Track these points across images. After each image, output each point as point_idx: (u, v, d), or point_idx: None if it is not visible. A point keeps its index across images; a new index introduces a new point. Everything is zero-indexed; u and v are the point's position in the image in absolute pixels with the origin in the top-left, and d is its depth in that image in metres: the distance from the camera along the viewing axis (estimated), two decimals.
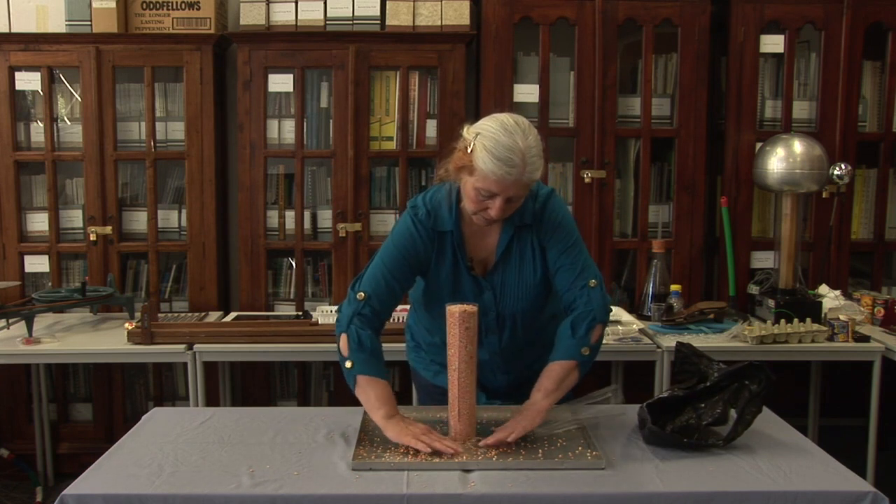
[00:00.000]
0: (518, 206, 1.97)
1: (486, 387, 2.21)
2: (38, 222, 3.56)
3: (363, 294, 2.03)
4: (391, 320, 3.17)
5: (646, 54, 3.47)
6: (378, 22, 3.47)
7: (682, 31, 3.44)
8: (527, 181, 1.87)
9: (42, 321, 3.32)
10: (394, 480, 1.70)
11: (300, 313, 3.47)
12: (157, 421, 2.10)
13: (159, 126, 3.52)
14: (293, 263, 3.62)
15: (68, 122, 3.56)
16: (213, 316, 3.43)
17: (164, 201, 3.61)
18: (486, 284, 2.07)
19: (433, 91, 3.52)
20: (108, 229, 3.49)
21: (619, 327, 3.13)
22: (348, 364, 1.98)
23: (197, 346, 2.97)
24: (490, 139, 1.84)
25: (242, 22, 3.46)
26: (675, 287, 3.28)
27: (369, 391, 1.94)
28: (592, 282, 2.03)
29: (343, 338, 2.02)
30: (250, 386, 3.68)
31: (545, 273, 2.07)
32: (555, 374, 1.97)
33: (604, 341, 2.57)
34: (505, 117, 1.90)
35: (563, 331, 2.03)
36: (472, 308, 1.88)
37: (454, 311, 1.86)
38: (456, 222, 2.04)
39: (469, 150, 1.88)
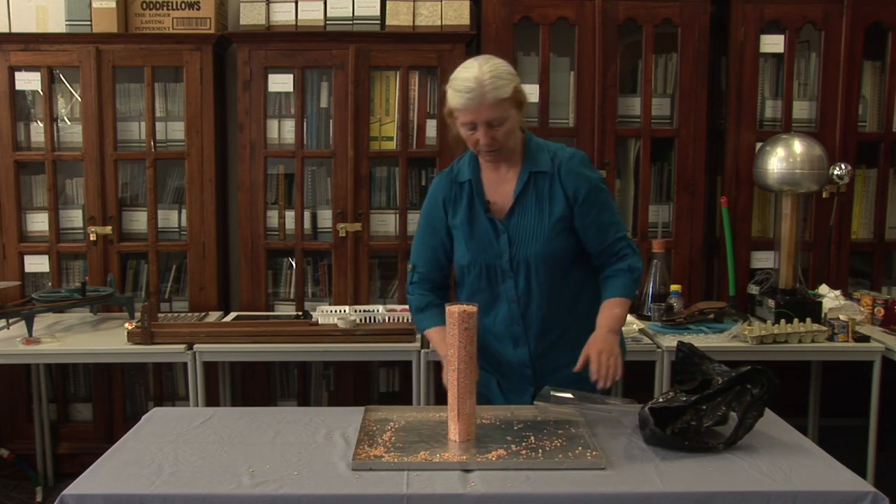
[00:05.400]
0: (510, 133, 2.11)
1: (502, 361, 2.25)
2: (38, 222, 3.56)
3: (410, 265, 2.32)
4: (395, 321, 3.20)
5: (646, 54, 3.47)
6: (378, 22, 3.47)
7: (682, 31, 3.45)
8: (492, 100, 2.04)
9: (42, 321, 3.32)
10: (394, 480, 1.70)
11: (300, 313, 3.47)
12: (157, 421, 2.10)
13: (159, 126, 3.52)
14: (293, 263, 3.62)
15: (68, 122, 3.56)
16: (213, 316, 3.43)
17: (164, 201, 3.61)
18: (502, 227, 2.18)
19: (433, 91, 3.52)
20: (108, 229, 3.49)
21: None
22: (414, 321, 2.34)
23: (197, 346, 2.97)
24: (452, 79, 2.11)
25: (242, 22, 3.46)
26: (675, 287, 3.28)
27: (434, 339, 2.26)
28: (628, 234, 2.32)
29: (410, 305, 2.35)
30: (250, 386, 3.68)
31: (560, 220, 2.16)
32: (619, 312, 2.16)
33: None
34: (469, 59, 2.14)
35: (619, 269, 2.20)
36: (471, 308, 1.88)
37: (453, 311, 1.87)
38: (474, 172, 2.22)
39: (447, 100, 2.12)
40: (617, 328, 2.13)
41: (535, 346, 2.22)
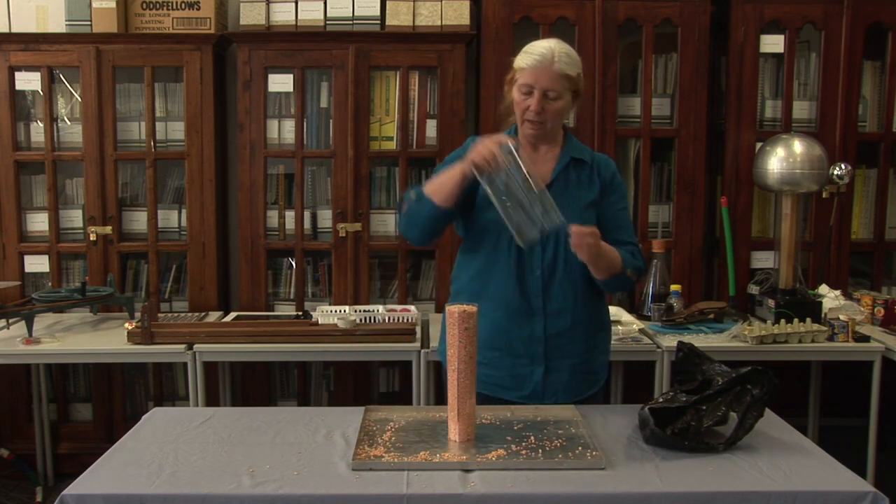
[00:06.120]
0: (559, 114, 2.20)
1: (513, 338, 2.23)
2: (38, 222, 3.56)
3: (413, 192, 2.20)
4: (395, 321, 3.20)
5: (646, 54, 3.47)
6: (378, 22, 3.47)
7: (682, 31, 3.45)
8: (557, 71, 2.15)
9: (42, 321, 3.32)
10: (394, 480, 1.70)
11: (300, 313, 3.47)
12: (157, 421, 2.10)
13: (159, 126, 3.52)
14: (293, 263, 3.62)
15: (68, 122, 3.56)
16: (213, 316, 3.43)
17: (164, 201, 3.61)
18: None
19: (433, 91, 3.52)
20: (108, 229, 3.49)
21: (619, 327, 3.12)
22: (413, 196, 2.16)
23: (197, 346, 2.97)
24: (527, 45, 2.23)
25: (242, 22, 3.46)
26: (675, 287, 3.28)
27: (442, 176, 2.15)
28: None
29: (403, 207, 2.23)
30: (250, 386, 3.68)
31: (592, 204, 2.26)
32: (608, 246, 2.20)
33: None
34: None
35: (626, 251, 2.27)
36: (471, 308, 1.88)
37: (453, 311, 1.87)
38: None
39: (513, 65, 2.22)
40: (604, 248, 2.17)
41: (550, 324, 2.23)
